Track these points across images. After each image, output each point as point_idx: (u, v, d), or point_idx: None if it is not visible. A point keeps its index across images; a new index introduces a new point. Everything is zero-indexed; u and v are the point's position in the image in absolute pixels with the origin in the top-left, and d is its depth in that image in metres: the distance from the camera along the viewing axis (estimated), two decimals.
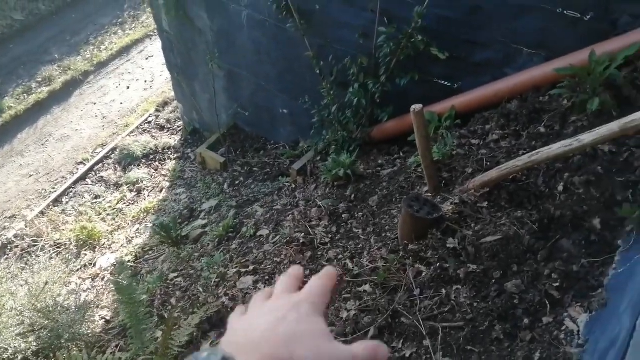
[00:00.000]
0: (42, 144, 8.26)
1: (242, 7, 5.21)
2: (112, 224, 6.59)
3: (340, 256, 3.45)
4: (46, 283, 4.31)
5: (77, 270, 5.91)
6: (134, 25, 10.74)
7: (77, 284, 5.61)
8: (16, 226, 6.77)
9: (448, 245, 2.81)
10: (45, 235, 6.45)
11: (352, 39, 4.43)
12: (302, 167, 5.38)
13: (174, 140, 7.83)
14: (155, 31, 8.39)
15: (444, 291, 2.64)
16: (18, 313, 4.16)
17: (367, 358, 0.57)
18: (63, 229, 6.53)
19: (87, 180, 7.49)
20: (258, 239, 4.37)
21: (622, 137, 2.63)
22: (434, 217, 2.88)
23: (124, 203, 6.92)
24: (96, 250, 6.19)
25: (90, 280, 5.74)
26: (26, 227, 6.68)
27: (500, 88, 3.81)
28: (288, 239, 3.92)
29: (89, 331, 4.30)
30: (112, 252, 6.08)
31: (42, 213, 6.95)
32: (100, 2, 11.33)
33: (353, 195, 4.12)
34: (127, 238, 6.25)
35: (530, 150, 2.84)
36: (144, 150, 7.63)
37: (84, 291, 5.42)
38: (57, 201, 7.17)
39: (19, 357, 3.95)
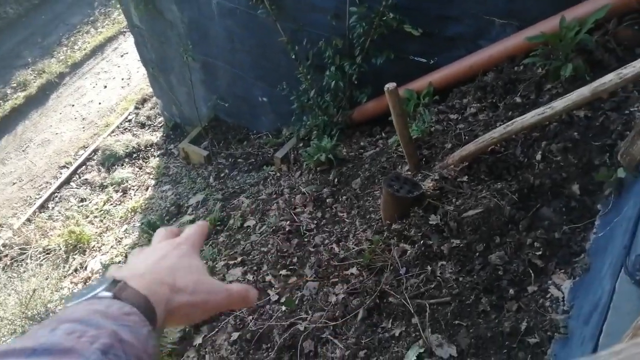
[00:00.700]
0: (23, 150, 8.15)
1: None
2: (100, 226, 6.55)
3: (327, 241, 3.45)
4: (34, 290, 4.28)
5: (69, 274, 5.88)
6: (105, 22, 10.56)
7: (69, 288, 5.58)
8: (4, 235, 6.71)
9: (430, 222, 2.81)
10: (34, 242, 6.41)
11: (325, 21, 4.37)
12: (285, 154, 5.35)
13: (155, 137, 7.75)
14: (128, 27, 8.25)
15: (429, 268, 2.65)
16: (9, 322, 4.13)
17: (239, 295, 0.68)
18: (51, 235, 6.48)
19: (71, 183, 7.42)
20: (245, 230, 4.36)
21: (597, 100, 2.63)
22: (415, 195, 2.88)
23: (111, 204, 6.87)
24: (86, 253, 6.16)
25: (82, 283, 5.71)
26: (14, 235, 6.62)
27: (475, 61, 3.79)
28: (274, 227, 3.91)
29: None
30: (102, 254, 6.05)
31: (28, 220, 6.89)
32: (69, 1, 11.09)
33: (336, 180, 4.11)
34: (116, 239, 6.22)
35: (507, 121, 2.83)
36: (127, 149, 7.56)
37: None
38: (43, 207, 7.10)
39: None
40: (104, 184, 7.23)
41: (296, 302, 3.10)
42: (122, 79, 9.20)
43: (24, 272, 5.04)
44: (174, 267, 0.64)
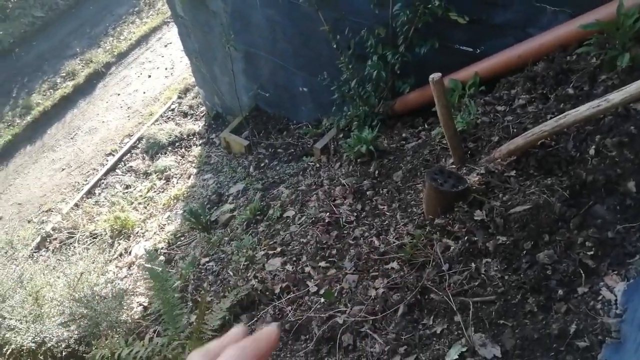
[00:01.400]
0: (72, 138, 8.44)
1: None
2: (144, 213, 6.72)
3: (366, 234, 3.42)
4: (82, 273, 4.44)
5: (114, 259, 6.07)
6: (150, 12, 10.76)
7: (114, 272, 5.77)
8: (53, 219, 6.99)
9: (475, 218, 2.73)
10: (81, 226, 6.64)
11: (367, 9, 4.29)
12: (324, 145, 5.32)
13: (197, 126, 7.87)
14: (172, 17, 8.38)
15: (473, 265, 2.58)
16: (58, 303, 4.31)
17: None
18: (97, 220, 6.70)
19: (117, 170, 7.64)
20: (284, 221, 4.37)
21: None
22: (459, 190, 2.80)
23: (154, 191, 7.03)
24: (130, 238, 6.34)
25: (126, 268, 5.90)
26: (62, 219, 6.88)
27: (524, 50, 3.65)
28: (313, 219, 3.91)
29: (127, 318, 4.42)
30: (145, 240, 6.21)
31: (76, 205, 7.14)
32: None
33: (377, 172, 4.06)
34: (159, 225, 6.37)
35: (559, 114, 2.71)
36: (170, 137, 7.71)
37: (121, 279, 5.57)
38: (90, 193, 7.35)
39: (62, 345, 4.10)
40: (148, 171, 7.41)
41: (335, 294, 3.09)
42: (166, 69, 9.37)
43: (72, 255, 5.23)
44: None
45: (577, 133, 2.80)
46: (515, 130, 3.18)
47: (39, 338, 4.14)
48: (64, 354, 4.19)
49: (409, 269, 2.84)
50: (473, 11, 3.79)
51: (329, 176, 4.66)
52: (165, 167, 7.26)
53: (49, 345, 4.14)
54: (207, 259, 4.72)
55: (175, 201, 6.66)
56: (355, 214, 3.75)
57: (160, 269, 3.68)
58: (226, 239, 4.92)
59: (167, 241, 5.93)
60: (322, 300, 3.12)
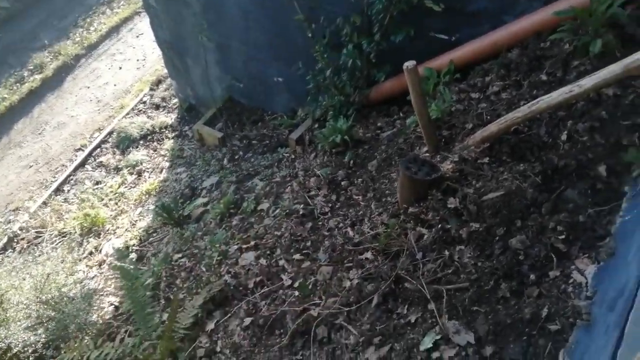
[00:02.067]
0: (39, 133, 8.17)
1: None
2: (114, 209, 6.55)
3: (341, 225, 3.37)
4: (48, 274, 4.28)
5: (84, 258, 5.89)
6: (121, 2, 10.48)
7: (84, 272, 5.60)
8: (20, 219, 6.76)
9: (449, 205, 2.70)
10: (50, 225, 6.43)
11: None
12: (300, 136, 5.25)
13: (170, 118, 7.70)
14: (143, 8, 8.17)
15: (446, 253, 2.56)
16: (25, 306, 4.14)
17: None
18: (67, 218, 6.50)
19: (86, 166, 7.43)
20: (258, 213, 4.29)
21: (627, 78, 2.48)
22: (433, 178, 2.77)
23: (125, 186, 6.86)
24: (101, 236, 6.16)
25: (97, 267, 5.73)
26: (30, 218, 6.66)
27: (499, 37, 3.63)
28: (288, 211, 3.84)
29: (97, 319, 4.28)
30: (116, 237, 6.05)
31: (44, 203, 6.91)
32: None
33: (351, 161, 4.01)
34: (130, 222, 6.21)
35: (532, 100, 2.69)
36: (141, 131, 7.52)
37: (91, 279, 5.41)
38: (58, 190, 7.12)
39: (29, 350, 3.94)
40: (119, 166, 7.21)
41: (310, 287, 3.04)
42: (137, 60, 9.15)
43: (39, 255, 5.05)
44: None
45: (550, 119, 2.79)
46: (488, 117, 3.16)
47: (3, 344, 3.96)
48: (31, 359, 4.03)
49: (383, 258, 2.81)
50: None
51: (304, 167, 4.60)
52: (136, 162, 7.08)
53: (14, 350, 3.97)
54: (179, 255, 4.61)
55: (147, 196, 6.51)
56: (329, 204, 3.69)
57: (131, 267, 3.57)
58: (199, 233, 4.82)
59: (138, 238, 5.78)
60: (297, 293, 3.06)
